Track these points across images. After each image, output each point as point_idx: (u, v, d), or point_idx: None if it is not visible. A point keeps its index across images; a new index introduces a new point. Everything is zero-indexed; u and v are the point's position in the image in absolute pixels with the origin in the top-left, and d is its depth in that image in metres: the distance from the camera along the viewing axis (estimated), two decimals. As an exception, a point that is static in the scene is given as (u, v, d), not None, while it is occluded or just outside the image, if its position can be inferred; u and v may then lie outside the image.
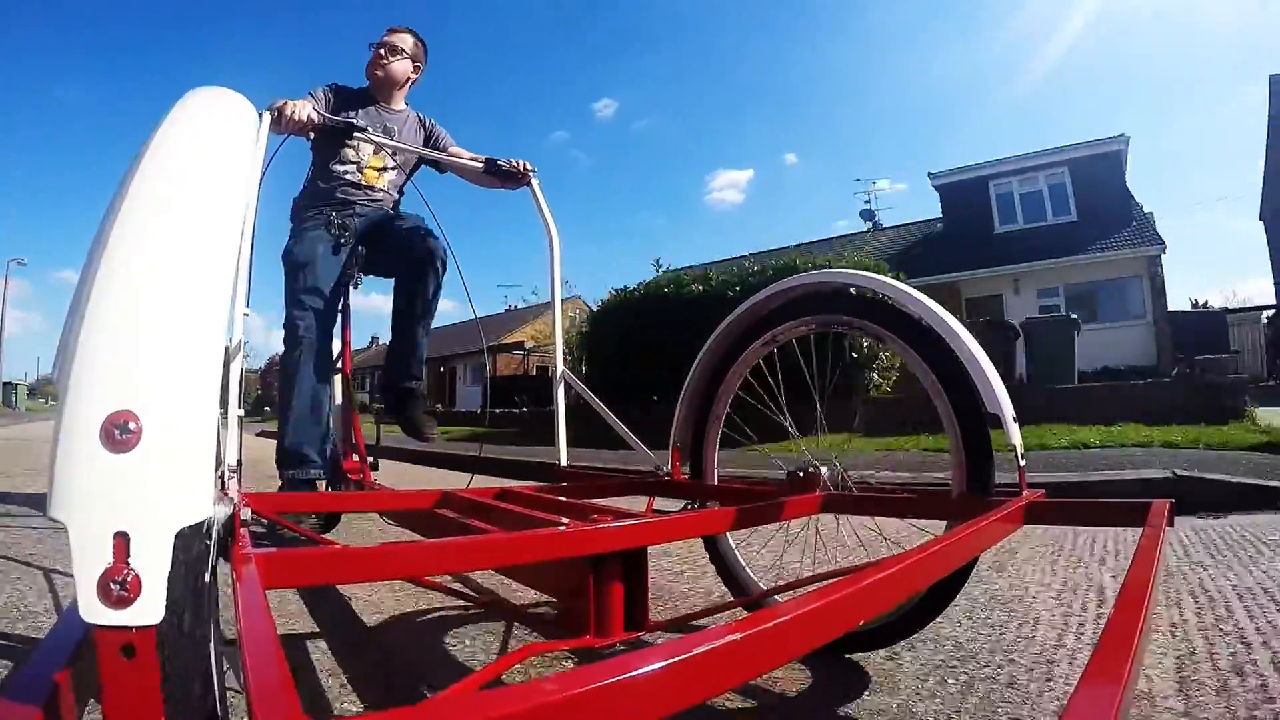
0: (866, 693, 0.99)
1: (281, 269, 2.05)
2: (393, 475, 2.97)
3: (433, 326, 2.21)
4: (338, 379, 2.36)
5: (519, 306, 26.88)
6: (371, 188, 2.18)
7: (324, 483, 2.23)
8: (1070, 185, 14.26)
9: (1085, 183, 14.03)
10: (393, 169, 2.21)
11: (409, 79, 2.26)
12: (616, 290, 7.89)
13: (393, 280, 2.19)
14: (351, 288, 2.20)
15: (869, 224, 19.16)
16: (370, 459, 2.30)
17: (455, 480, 1.83)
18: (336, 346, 2.22)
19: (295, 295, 1.95)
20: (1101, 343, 11.54)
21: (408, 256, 2.10)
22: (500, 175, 2.04)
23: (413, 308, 2.12)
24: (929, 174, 16.21)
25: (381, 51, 2.18)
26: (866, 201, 19.48)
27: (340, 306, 2.16)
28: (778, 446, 1.60)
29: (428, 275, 2.08)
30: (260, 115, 1.60)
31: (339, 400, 2.40)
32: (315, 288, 1.97)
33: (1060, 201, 14.42)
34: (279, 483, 1.95)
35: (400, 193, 2.28)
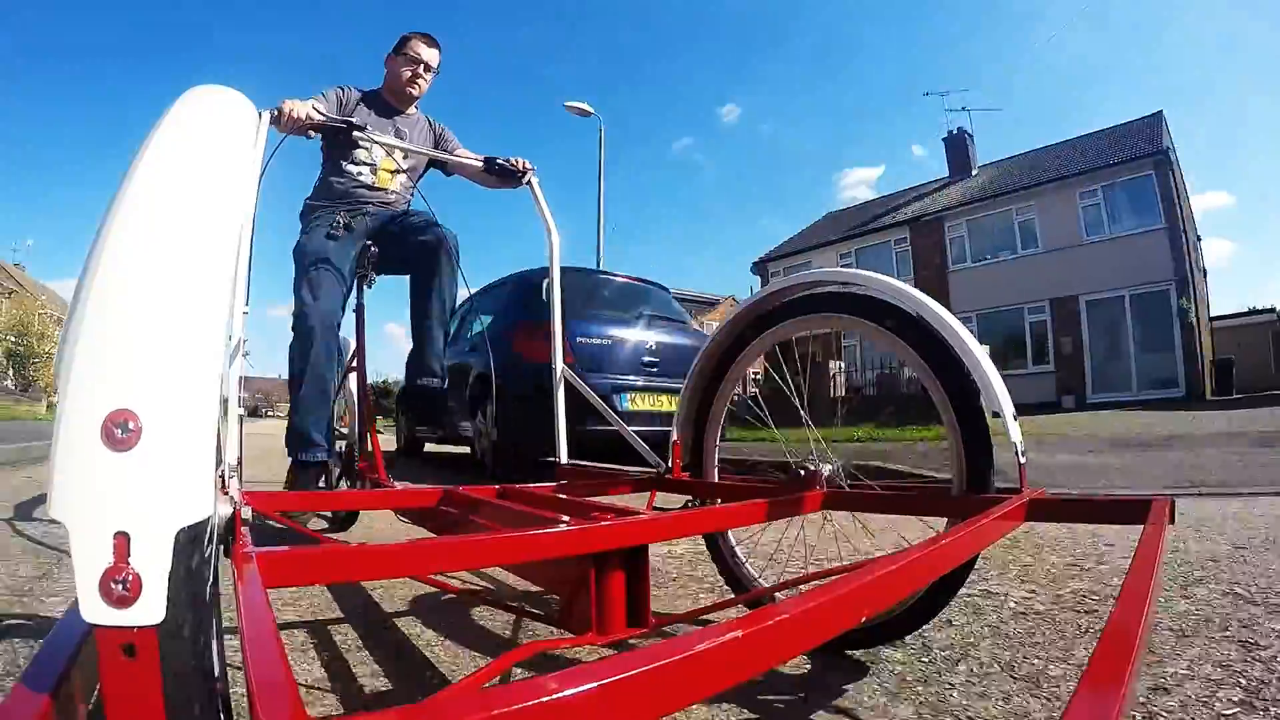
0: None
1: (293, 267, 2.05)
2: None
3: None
4: (353, 378, 2.36)
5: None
6: (385, 190, 2.19)
7: (340, 477, 2.24)
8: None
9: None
10: (404, 171, 2.21)
11: None
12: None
13: (409, 280, 2.17)
14: (365, 287, 2.19)
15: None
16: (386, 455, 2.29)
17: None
18: (351, 346, 2.21)
19: (303, 287, 1.97)
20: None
21: (417, 248, 2.10)
22: (500, 174, 2.03)
23: (426, 300, 2.10)
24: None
25: (420, 69, 2.19)
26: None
27: (354, 306, 2.16)
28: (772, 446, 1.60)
29: (439, 264, 2.07)
30: (260, 114, 1.60)
31: (355, 395, 2.40)
32: (323, 279, 1.98)
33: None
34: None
35: (411, 195, 2.28)
